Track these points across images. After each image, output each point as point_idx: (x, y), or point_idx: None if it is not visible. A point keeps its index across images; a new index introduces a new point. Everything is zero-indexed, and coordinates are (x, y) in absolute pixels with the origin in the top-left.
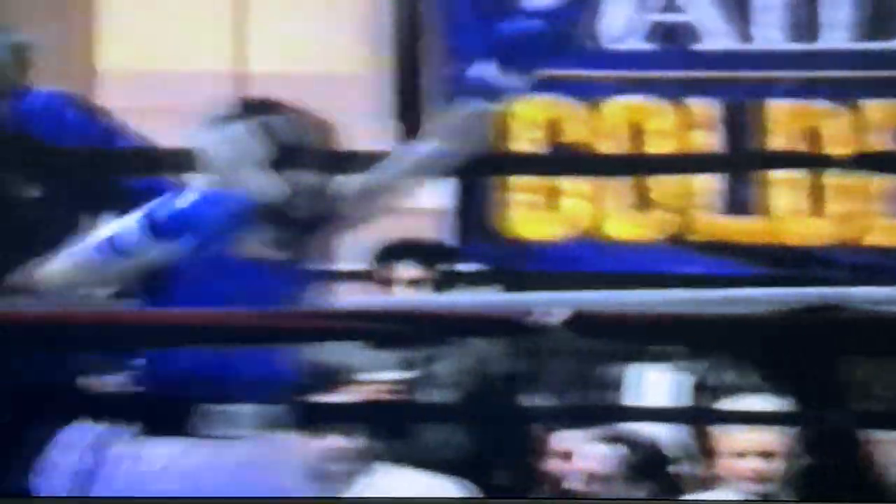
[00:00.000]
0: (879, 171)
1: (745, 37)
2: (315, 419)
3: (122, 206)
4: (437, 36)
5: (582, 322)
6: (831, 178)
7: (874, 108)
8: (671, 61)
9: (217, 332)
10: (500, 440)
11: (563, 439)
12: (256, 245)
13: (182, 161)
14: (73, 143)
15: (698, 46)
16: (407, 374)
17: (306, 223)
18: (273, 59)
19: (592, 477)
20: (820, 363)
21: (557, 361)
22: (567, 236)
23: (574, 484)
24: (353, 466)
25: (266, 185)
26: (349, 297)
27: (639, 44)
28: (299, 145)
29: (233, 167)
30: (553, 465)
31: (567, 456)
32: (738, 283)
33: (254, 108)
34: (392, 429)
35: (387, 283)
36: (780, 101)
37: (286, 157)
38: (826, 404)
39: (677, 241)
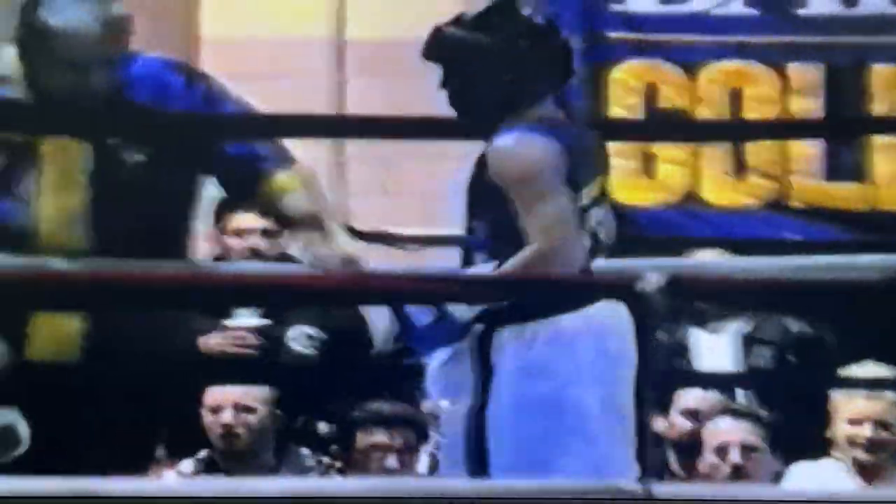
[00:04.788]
0: None
1: (849, 1)
2: None
3: (223, 170)
4: None
5: (679, 287)
6: None
7: None
8: (772, 26)
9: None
10: None
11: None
12: None
13: (282, 127)
14: (176, 109)
15: (800, 11)
16: None
17: None
18: (372, 26)
19: None
20: None
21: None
22: (663, 202)
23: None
24: None
25: None
26: None
27: (739, 8)
28: None
29: None
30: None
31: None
32: (837, 249)
33: None
34: None
35: None
36: (882, 66)
37: None
38: None
39: (775, 207)
